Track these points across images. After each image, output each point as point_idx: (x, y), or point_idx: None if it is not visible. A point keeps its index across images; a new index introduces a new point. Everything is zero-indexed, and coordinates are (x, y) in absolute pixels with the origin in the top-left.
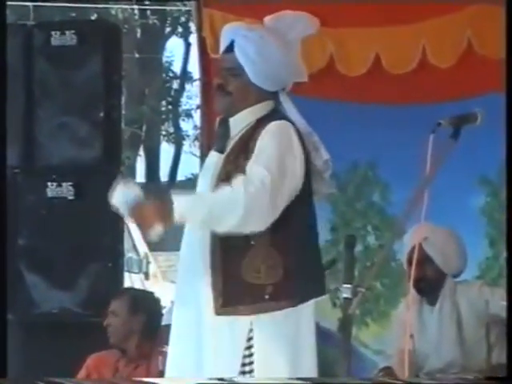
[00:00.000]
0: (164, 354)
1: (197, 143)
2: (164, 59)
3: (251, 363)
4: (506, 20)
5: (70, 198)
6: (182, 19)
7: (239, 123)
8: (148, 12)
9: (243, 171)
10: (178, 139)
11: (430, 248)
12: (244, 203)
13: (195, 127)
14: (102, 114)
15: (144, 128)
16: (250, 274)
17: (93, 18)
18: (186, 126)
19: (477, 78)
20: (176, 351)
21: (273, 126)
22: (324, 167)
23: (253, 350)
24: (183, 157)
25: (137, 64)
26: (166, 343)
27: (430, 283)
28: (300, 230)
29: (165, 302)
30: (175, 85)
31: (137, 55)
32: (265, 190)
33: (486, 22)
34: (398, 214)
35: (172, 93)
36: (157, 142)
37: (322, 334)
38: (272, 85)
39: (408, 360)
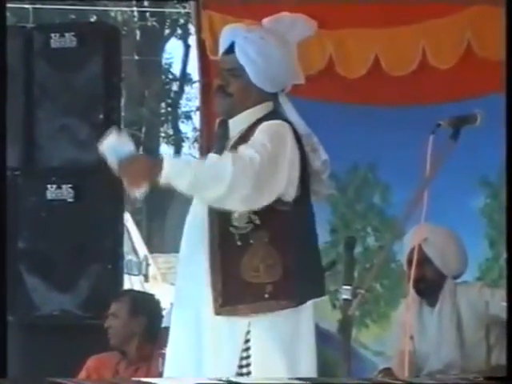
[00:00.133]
0: (164, 356)
1: (196, 145)
2: (163, 61)
3: (248, 365)
4: (506, 21)
5: (70, 200)
6: (181, 21)
7: (239, 125)
8: (147, 14)
9: None
10: (177, 141)
11: (429, 249)
12: (230, 176)
13: (194, 129)
14: (101, 116)
15: (143, 130)
16: (248, 273)
17: (92, 20)
18: (186, 127)
19: (476, 79)
20: (175, 352)
21: (268, 124)
22: (322, 168)
23: (250, 351)
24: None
25: (136, 66)
26: (166, 345)
27: (429, 284)
28: (299, 230)
29: (164, 304)
30: (174, 87)
31: (136, 57)
32: (252, 170)
33: (485, 23)
34: (397, 215)
35: (171, 95)
36: (156, 144)
37: (321, 336)
38: (272, 86)
39: (408, 361)
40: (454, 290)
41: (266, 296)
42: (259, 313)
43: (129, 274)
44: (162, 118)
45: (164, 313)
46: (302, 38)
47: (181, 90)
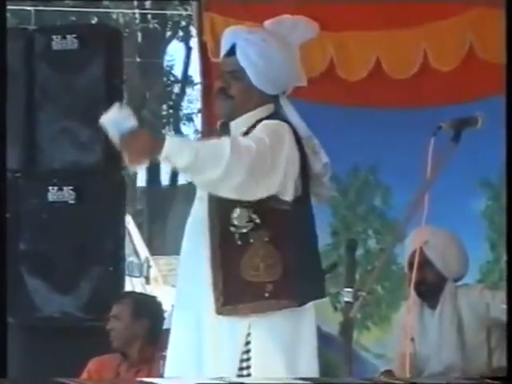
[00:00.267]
0: (165, 358)
1: None
2: (165, 63)
3: (249, 367)
4: (506, 23)
5: (71, 202)
6: (183, 23)
7: (240, 127)
8: (149, 16)
9: None
10: None
11: (430, 252)
12: (227, 160)
13: (196, 131)
14: None
15: None
16: (248, 272)
17: (94, 22)
18: (187, 129)
19: (478, 82)
20: (175, 354)
21: (267, 122)
22: (323, 171)
23: (251, 353)
24: None
25: (138, 68)
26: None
27: (430, 287)
28: (299, 230)
29: (166, 306)
30: (176, 89)
31: (138, 59)
32: (248, 157)
33: (487, 25)
34: (398, 217)
35: (173, 97)
36: None
37: (323, 338)
38: (273, 88)
39: (409, 363)
40: (454, 293)
41: (266, 295)
42: (260, 312)
43: (130, 275)
44: (164, 120)
45: (166, 315)
46: (303, 41)
47: (182, 92)
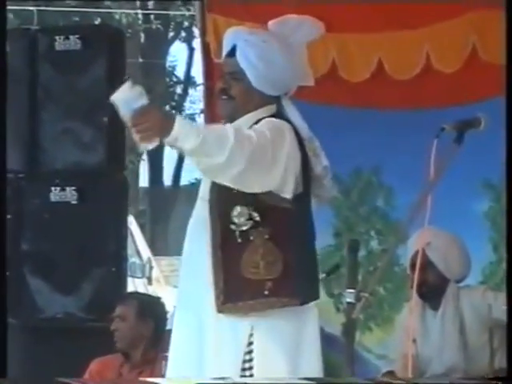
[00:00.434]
0: (167, 359)
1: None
2: (167, 64)
3: (251, 368)
4: (506, 24)
5: (74, 202)
6: (186, 24)
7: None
8: (151, 17)
9: None
10: None
11: (432, 253)
12: (230, 146)
13: None
14: (105, 119)
15: None
16: (248, 269)
17: (96, 22)
18: None
19: (481, 83)
20: (176, 354)
21: (268, 119)
22: (323, 173)
23: (253, 354)
24: (187, 161)
25: (140, 68)
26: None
27: (432, 288)
28: (299, 228)
29: (168, 307)
30: (178, 89)
31: (140, 60)
32: (249, 146)
33: (490, 27)
34: (401, 218)
35: (175, 97)
36: (160, 147)
37: (325, 339)
38: (274, 89)
39: (411, 364)
40: (456, 294)
41: (266, 293)
42: (260, 310)
43: (132, 276)
44: None
45: (169, 316)
46: (308, 40)
47: (185, 93)
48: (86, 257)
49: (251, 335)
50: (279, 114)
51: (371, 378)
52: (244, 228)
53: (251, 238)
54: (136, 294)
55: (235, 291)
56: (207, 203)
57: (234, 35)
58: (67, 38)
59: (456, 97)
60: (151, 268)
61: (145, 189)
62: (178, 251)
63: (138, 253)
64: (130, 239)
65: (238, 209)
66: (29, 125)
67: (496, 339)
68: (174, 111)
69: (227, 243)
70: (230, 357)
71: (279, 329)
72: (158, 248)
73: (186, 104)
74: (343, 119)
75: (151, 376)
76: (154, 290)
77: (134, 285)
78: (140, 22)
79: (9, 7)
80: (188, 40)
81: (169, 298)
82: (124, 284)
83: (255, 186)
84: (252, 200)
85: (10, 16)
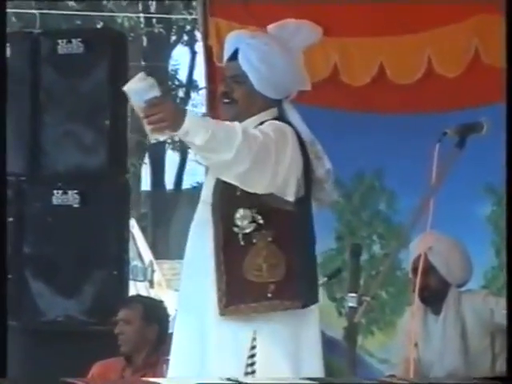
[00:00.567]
0: (168, 362)
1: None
2: (170, 67)
3: (253, 372)
4: (506, 28)
5: (76, 205)
6: (188, 28)
7: None
8: (154, 20)
9: None
10: (183, 147)
11: (434, 258)
12: (238, 144)
13: None
14: (107, 122)
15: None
16: (251, 272)
17: (99, 26)
18: None
19: (484, 87)
20: (178, 358)
21: (271, 121)
22: (325, 177)
23: (255, 358)
24: (188, 165)
25: (142, 72)
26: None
27: (433, 293)
28: (302, 231)
29: (170, 311)
30: (181, 93)
31: (143, 63)
32: (255, 145)
33: (493, 31)
34: (403, 222)
35: (178, 101)
36: (162, 150)
37: (327, 343)
38: (275, 93)
39: (413, 369)
40: (458, 299)
41: (269, 295)
42: (262, 313)
43: (134, 279)
44: None
45: (170, 319)
46: (307, 44)
47: (187, 97)
48: (87, 260)
49: (254, 339)
50: (281, 118)
51: (374, 379)
52: (247, 231)
53: (254, 240)
54: (139, 297)
55: (238, 294)
56: (209, 206)
57: (235, 39)
58: (69, 42)
59: (458, 101)
60: (153, 271)
61: (147, 192)
62: (179, 254)
63: (140, 256)
64: (131, 242)
65: (241, 211)
66: (31, 128)
67: (498, 344)
68: None
69: (230, 246)
70: (233, 360)
71: (281, 332)
72: (159, 251)
73: (189, 107)
74: (345, 123)
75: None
76: (155, 294)
77: (136, 288)
78: (142, 25)
79: (11, 10)
80: (190, 43)
81: (170, 301)
82: (126, 287)
83: (258, 185)
84: (255, 203)
85: (13, 19)
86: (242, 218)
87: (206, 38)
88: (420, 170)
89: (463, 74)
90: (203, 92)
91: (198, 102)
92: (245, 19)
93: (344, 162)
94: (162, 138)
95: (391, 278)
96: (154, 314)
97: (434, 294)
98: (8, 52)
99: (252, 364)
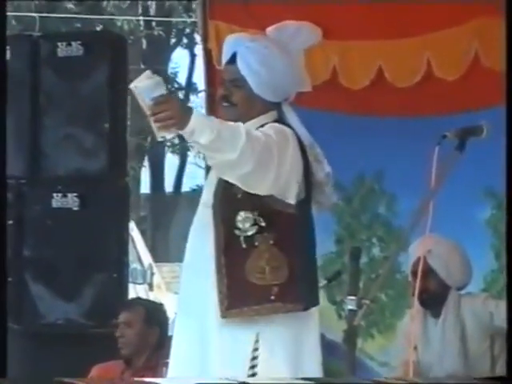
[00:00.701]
0: (167, 365)
1: (202, 155)
2: (169, 70)
3: (255, 374)
4: (506, 31)
5: (75, 208)
6: (187, 30)
7: None
8: (153, 23)
9: None
10: (182, 150)
11: (433, 261)
12: (242, 144)
13: None
14: (107, 125)
15: (149, 139)
16: (254, 274)
17: (98, 29)
18: None
19: (483, 91)
20: (178, 361)
21: (272, 124)
22: (325, 180)
23: (257, 361)
24: (188, 168)
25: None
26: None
27: (433, 296)
28: (304, 234)
29: (169, 314)
30: (180, 96)
31: (142, 66)
32: (258, 146)
33: (492, 34)
34: (403, 225)
35: None
36: (162, 153)
37: (327, 346)
38: (275, 95)
39: (412, 372)
40: (458, 302)
41: (272, 298)
42: (265, 315)
43: (133, 282)
44: None
45: (170, 322)
46: (306, 46)
47: (186, 100)
48: (87, 263)
49: (257, 341)
50: (280, 120)
51: (372, 379)
52: (249, 233)
53: (256, 243)
54: (140, 300)
55: (240, 296)
56: (210, 209)
57: (234, 42)
58: (69, 44)
59: (457, 104)
60: (152, 274)
61: (146, 195)
62: (179, 257)
63: (140, 259)
64: (131, 245)
65: (242, 214)
66: (31, 131)
67: (497, 347)
68: None
69: (231, 248)
70: (235, 362)
71: (283, 335)
72: (159, 254)
73: None
74: (344, 126)
75: None
76: (155, 297)
77: (135, 291)
78: (142, 28)
79: (11, 13)
80: (190, 46)
81: (170, 304)
82: (125, 290)
83: (260, 187)
84: (257, 205)
85: (13, 22)
86: (244, 221)
87: (205, 40)
88: (420, 173)
89: (463, 77)
90: (202, 95)
91: (198, 104)
92: (245, 22)
93: (343, 164)
94: (168, 136)
95: (391, 281)
96: (155, 317)
97: (434, 297)
98: (8, 55)
99: (254, 366)
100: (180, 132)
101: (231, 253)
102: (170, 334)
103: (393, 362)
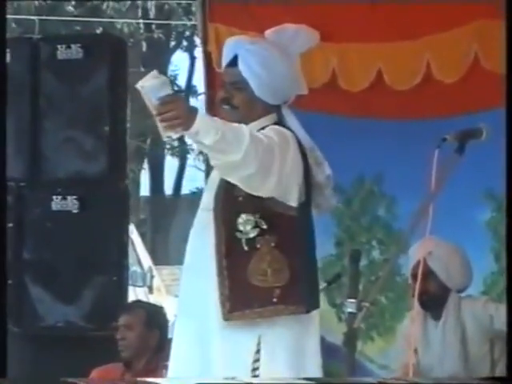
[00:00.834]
0: (167, 368)
1: (201, 157)
2: (169, 73)
3: (257, 376)
4: (506, 33)
5: (75, 211)
6: (187, 33)
7: None
8: (153, 26)
9: None
10: (182, 153)
11: (434, 263)
12: (246, 146)
13: None
14: (107, 128)
15: (148, 141)
16: (256, 277)
17: (98, 31)
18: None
19: (483, 93)
20: (178, 363)
21: (273, 126)
22: (325, 182)
23: (258, 363)
24: (188, 170)
25: (142, 78)
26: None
27: (433, 298)
28: (304, 237)
29: (169, 316)
30: None
31: (142, 69)
32: (261, 148)
33: (492, 37)
34: (403, 228)
35: None
36: (161, 156)
37: (327, 349)
38: (275, 98)
39: (412, 374)
40: (458, 304)
41: (275, 300)
42: (267, 317)
43: (133, 285)
44: None
45: (170, 325)
46: (305, 49)
47: None
48: (86, 265)
49: (259, 343)
50: (280, 123)
51: (372, 378)
52: (251, 236)
53: (258, 245)
54: (140, 302)
55: (242, 299)
56: (210, 212)
57: (234, 45)
58: (69, 47)
59: (457, 107)
60: (152, 277)
61: (146, 198)
62: (179, 260)
63: (139, 262)
64: (130, 248)
65: (243, 216)
66: (30, 133)
67: (497, 350)
68: None
69: (233, 251)
70: (238, 364)
71: (285, 337)
72: (159, 257)
73: None
74: (344, 129)
75: None
76: (154, 299)
77: (135, 294)
78: (142, 31)
79: (11, 16)
80: (189, 49)
81: (170, 306)
82: (125, 293)
83: (263, 189)
84: (258, 208)
85: (12, 25)
86: (245, 223)
87: (205, 43)
88: (419, 176)
89: (462, 79)
90: (202, 97)
91: (198, 107)
92: (244, 24)
93: (343, 167)
94: (174, 136)
95: (391, 284)
96: (155, 320)
97: (434, 300)
98: (8, 57)
99: (256, 369)
100: (185, 133)
101: (233, 255)
102: (169, 336)
103: (393, 365)
